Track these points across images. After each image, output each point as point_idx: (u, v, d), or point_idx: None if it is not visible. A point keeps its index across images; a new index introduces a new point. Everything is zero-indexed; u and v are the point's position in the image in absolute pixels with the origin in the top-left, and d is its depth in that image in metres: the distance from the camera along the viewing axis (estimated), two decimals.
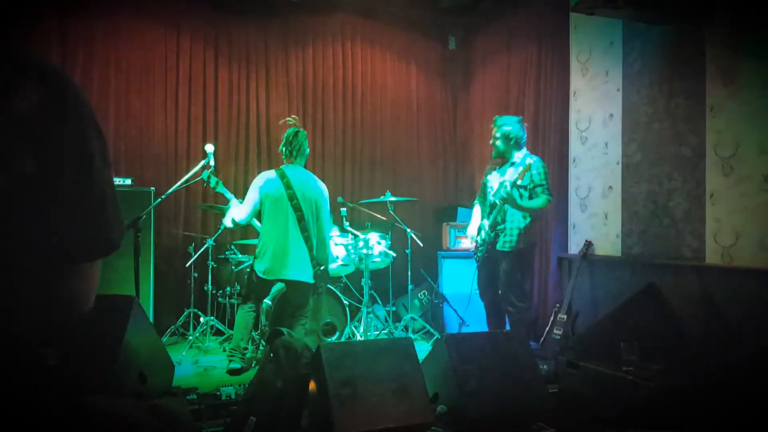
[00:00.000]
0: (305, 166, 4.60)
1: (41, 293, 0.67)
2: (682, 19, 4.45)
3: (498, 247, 4.57)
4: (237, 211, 4.47)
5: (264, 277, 4.39)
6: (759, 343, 3.64)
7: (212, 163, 4.37)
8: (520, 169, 4.44)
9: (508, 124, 4.64)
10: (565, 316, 5.18)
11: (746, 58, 4.12)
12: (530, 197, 4.51)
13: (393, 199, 5.71)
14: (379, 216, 5.90)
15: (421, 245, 5.86)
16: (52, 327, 0.74)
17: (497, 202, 4.51)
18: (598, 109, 5.43)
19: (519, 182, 4.39)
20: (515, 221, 4.55)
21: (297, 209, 4.36)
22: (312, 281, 4.43)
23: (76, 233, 0.67)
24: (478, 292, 4.96)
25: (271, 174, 4.47)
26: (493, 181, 4.73)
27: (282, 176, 4.40)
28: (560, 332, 5.13)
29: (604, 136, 5.35)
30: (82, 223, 0.68)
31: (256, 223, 4.61)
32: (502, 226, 4.55)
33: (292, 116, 4.63)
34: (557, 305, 5.37)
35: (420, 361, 3.31)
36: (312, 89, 7.02)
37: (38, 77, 0.65)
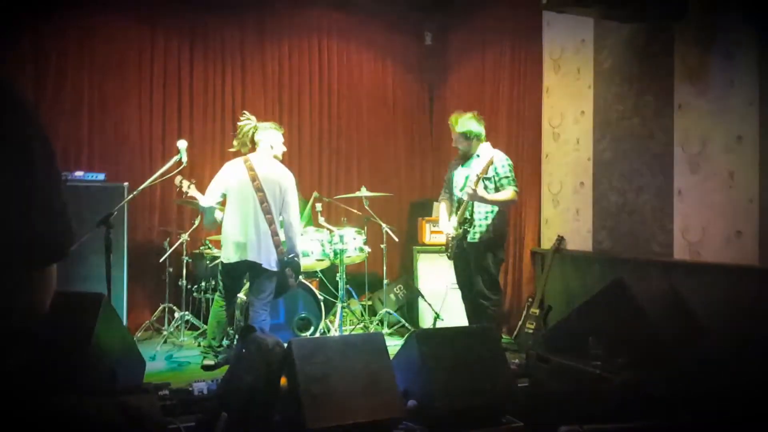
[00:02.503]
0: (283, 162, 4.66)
1: None
2: (652, 17, 4.51)
3: (468, 239, 4.61)
4: (203, 199, 4.50)
5: (227, 262, 4.41)
6: (724, 336, 3.73)
7: (185, 158, 4.35)
8: (484, 161, 4.46)
9: (464, 123, 4.67)
10: (537, 310, 5.25)
11: (714, 56, 4.20)
12: (497, 189, 4.55)
13: (368, 194, 5.74)
14: (355, 211, 5.92)
15: (396, 240, 5.90)
16: (8, 332, 0.74)
17: (464, 198, 4.54)
18: (569, 105, 5.49)
19: (483, 175, 4.42)
20: (482, 214, 4.59)
21: (259, 190, 4.39)
22: (274, 268, 4.41)
23: (18, 240, 0.66)
24: (456, 287, 5.01)
25: (235, 160, 4.57)
26: (458, 176, 4.76)
27: (246, 161, 4.49)
28: (533, 326, 5.20)
29: (576, 132, 5.42)
30: (24, 229, 0.67)
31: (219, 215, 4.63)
32: (470, 221, 4.58)
33: (243, 112, 4.72)
34: (530, 299, 5.44)
35: (392, 357, 3.35)
36: (288, 84, 7.00)
37: None
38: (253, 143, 4.60)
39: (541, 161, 5.85)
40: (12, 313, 0.72)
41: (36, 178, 0.69)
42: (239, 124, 4.64)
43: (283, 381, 3.10)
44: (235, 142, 4.64)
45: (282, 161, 4.67)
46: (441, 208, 4.95)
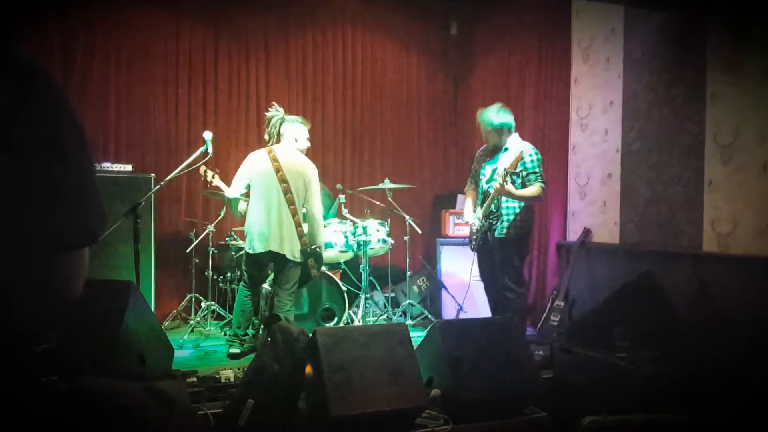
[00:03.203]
0: (306, 153, 4.69)
1: (21, 284, 0.68)
2: (684, 5, 4.43)
3: (493, 234, 4.58)
4: (228, 190, 4.54)
5: (252, 252, 4.45)
6: (754, 330, 3.66)
7: (210, 150, 4.39)
8: (513, 154, 4.41)
9: (493, 117, 4.60)
10: (562, 303, 5.21)
11: (748, 46, 4.11)
12: (523, 184, 4.50)
13: (392, 186, 5.73)
14: (378, 203, 5.92)
15: (420, 232, 5.89)
16: (42, 315, 0.75)
17: (490, 191, 4.50)
18: (598, 96, 5.42)
19: (512, 170, 4.37)
20: (509, 209, 4.55)
21: (283, 181, 4.42)
22: (298, 259, 4.44)
23: (52, 224, 0.68)
24: (479, 279, 4.99)
25: (259, 151, 4.61)
26: (486, 168, 4.72)
27: (270, 152, 4.52)
28: (557, 319, 5.16)
29: (604, 123, 5.35)
30: (57, 214, 0.68)
31: (243, 206, 4.67)
32: (496, 214, 4.55)
33: (273, 103, 4.74)
34: (555, 292, 5.40)
35: (415, 347, 3.36)
36: (312, 75, 7.00)
37: (7, 73, 0.66)
38: (279, 135, 4.63)
39: (568, 152, 5.79)
40: (45, 297, 0.73)
41: (68, 162, 0.70)
42: (267, 115, 4.68)
43: (308, 369, 3.12)
44: (266, 135, 4.69)
45: (305, 153, 4.69)
46: (467, 201, 4.91)
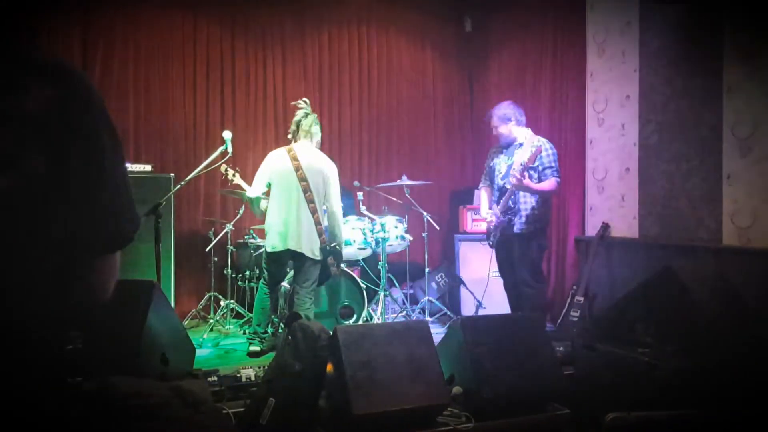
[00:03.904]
0: (321, 149, 4.67)
1: (57, 286, 0.70)
2: None
3: (510, 230, 4.57)
4: (250, 189, 4.56)
5: (272, 251, 4.46)
6: None
7: (230, 149, 4.42)
8: (529, 149, 4.41)
9: (500, 113, 4.62)
10: (582, 298, 5.19)
11: (765, 37, 4.06)
12: (539, 179, 4.50)
13: (409, 182, 5.73)
14: (396, 200, 5.93)
15: (438, 228, 5.89)
16: (73, 317, 0.77)
17: (507, 186, 4.50)
18: (614, 89, 5.38)
19: (529, 165, 4.37)
20: (526, 204, 4.54)
21: (303, 179, 4.41)
22: (318, 257, 4.45)
23: (89, 227, 0.69)
24: (498, 275, 4.98)
25: (279, 150, 4.60)
26: (500, 163, 4.72)
27: (289, 150, 4.52)
28: (577, 314, 5.14)
29: (621, 117, 5.31)
30: (94, 217, 0.69)
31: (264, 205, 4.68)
32: (513, 210, 4.55)
33: (303, 99, 4.67)
34: (574, 287, 5.38)
35: (436, 344, 3.36)
36: (328, 72, 7.03)
37: (47, 77, 0.67)
38: (311, 133, 4.56)
39: (585, 147, 5.76)
40: (78, 300, 0.74)
41: (105, 168, 0.71)
42: (302, 112, 4.58)
43: (329, 368, 3.14)
44: (292, 132, 4.62)
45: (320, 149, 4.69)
46: (482, 196, 4.92)
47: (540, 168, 4.50)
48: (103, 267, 0.75)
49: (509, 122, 4.62)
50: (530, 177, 4.44)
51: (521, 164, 4.34)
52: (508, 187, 4.48)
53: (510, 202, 4.55)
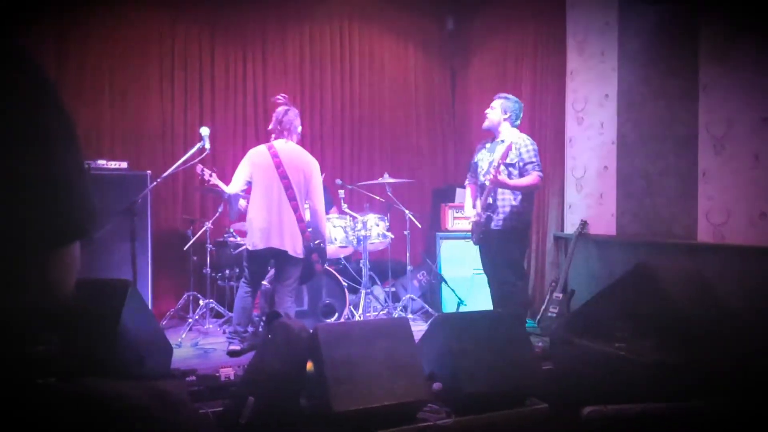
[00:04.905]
0: (302, 146, 4.64)
1: (10, 282, 0.66)
2: None
3: (492, 226, 4.58)
4: (228, 187, 4.52)
5: (253, 249, 4.43)
6: (750, 319, 3.69)
7: (208, 145, 4.38)
8: (504, 146, 4.42)
9: (509, 98, 4.63)
10: (560, 295, 5.23)
11: (740, 37, 4.12)
12: (521, 175, 4.50)
13: (391, 180, 5.73)
14: (378, 197, 5.93)
15: (419, 226, 5.89)
16: (33, 315, 0.74)
17: (486, 183, 4.51)
18: (594, 88, 5.43)
19: (505, 161, 4.37)
20: (506, 200, 4.55)
21: (284, 177, 4.38)
22: (300, 255, 4.42)
23: (37, 218, 0.66)
24: (480, 272, 5.00)
25: (259, 147, 4.55)
26: (483, 160, 4.72)
27: (270, 147, 4.46)
28: (556, 310, 5.19)
29: (600, 115, 5.36)
30: (42, 207, 0.66)
31: (243, 203, 4.64)
32: (494, 206, 4.55)
33: (281, 95, 4.64)
34: (553, 284, 5.42)
35: (417, 341, 3.37)
36: (309, 70, 7.00)
37: None
38: (294, 128, 4.53)
39: (564, 146, 5.80)
40: (37, 295, 0.71)
41: (53, 156, 0.68)
42: (282, 108, 4.53)
43: (309, 366, 3.13)
44: (273, 127, 4.56)
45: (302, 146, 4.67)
46: (467, 193, 4.92)
47: (521, 164, 4.50)
48: (58, 262, 0.71)
49: (504, 115, 4.60)
50: (509, 174, 4.44)
51: (497, 161, 4.35)
52: (488, 184, 4.49)
53: (490, 198, 4.55)
